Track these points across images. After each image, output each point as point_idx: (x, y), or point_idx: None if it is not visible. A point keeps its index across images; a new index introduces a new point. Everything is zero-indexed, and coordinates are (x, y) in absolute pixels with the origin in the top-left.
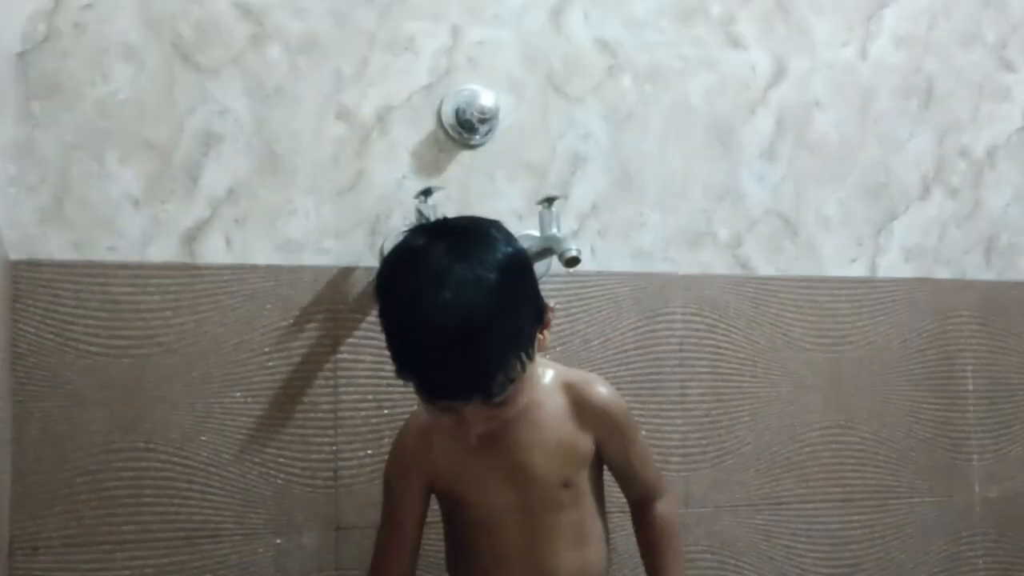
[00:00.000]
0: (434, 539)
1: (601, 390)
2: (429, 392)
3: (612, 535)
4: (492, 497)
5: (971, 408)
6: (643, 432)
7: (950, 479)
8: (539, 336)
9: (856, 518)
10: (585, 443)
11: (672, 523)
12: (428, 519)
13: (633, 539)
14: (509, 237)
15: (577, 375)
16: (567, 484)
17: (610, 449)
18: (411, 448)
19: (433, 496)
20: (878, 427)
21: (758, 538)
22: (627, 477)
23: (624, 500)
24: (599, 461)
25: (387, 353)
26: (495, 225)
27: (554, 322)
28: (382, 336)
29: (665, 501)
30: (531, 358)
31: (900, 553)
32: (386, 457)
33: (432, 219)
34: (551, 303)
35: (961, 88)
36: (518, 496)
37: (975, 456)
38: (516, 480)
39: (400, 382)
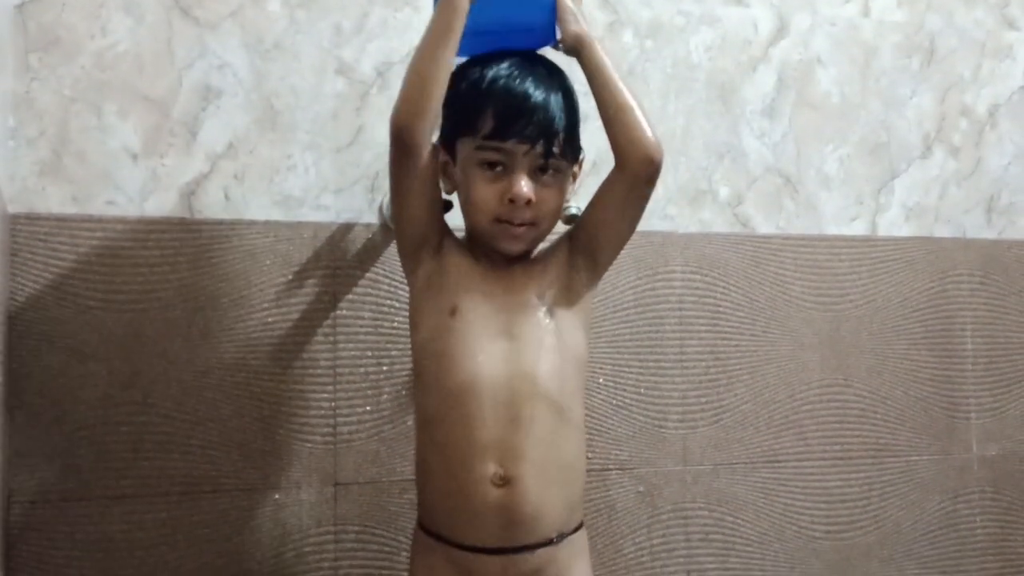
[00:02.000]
0: None
1: None
2: (504, 127)
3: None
4: (480, 304)
5: (969, 367)
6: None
7: (948, 437)
8: (574, 170)
9: (853, 476)
10: (567, 268)
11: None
12: None
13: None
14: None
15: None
16: (551, 314)
17: (578, 227)
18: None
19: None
20: (876, 385)
21: (756, 495)
22: (594, 199)
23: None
24: (583, 305)
25: (386, 309)
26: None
27: None
28: (381, 293)
29: None
30: (572, 167)
31: (897, 510)
32: (384, 414)
33: None
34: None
35: (963, 46)
36: (504, 321)
37: (973, 415)
38: (506, 295)
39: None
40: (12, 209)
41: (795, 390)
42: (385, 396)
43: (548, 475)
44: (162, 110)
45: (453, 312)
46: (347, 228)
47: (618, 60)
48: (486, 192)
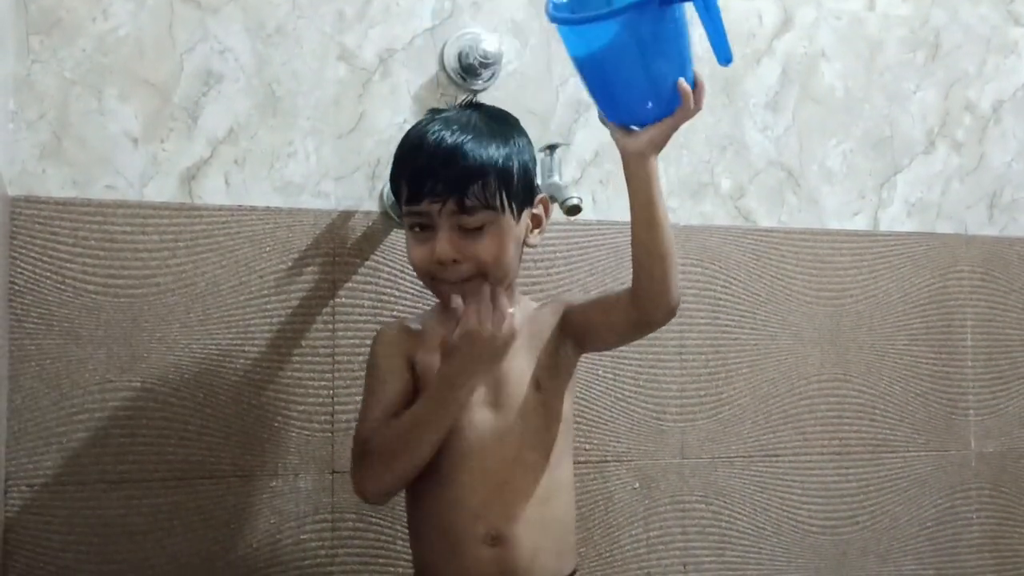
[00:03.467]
0: None
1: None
2: (414, 190)
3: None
4: None
5: (969, 363)
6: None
7: (946, 434)
8: (528, 223)
9: (852, 471)
10: (554, 342)
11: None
12: None
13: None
14: (521, 129)
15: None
16: (538, 387)
17: (574, 313)
18: (393, 335)
19: None
20: (875, 381)
21: (754, 489)
22: (613, 296)
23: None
24: (567, 373)
25: (385, 297)
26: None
27: (554, 272)
28: (380, 281)
29: None
30: (514, 215)
31: (895, 506)
32: None
33: None
34: (545, 198)
35: (968, 41)
36: (490, 392)
37: (972, 411)
38: (488, 380)
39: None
40: (12, 192)
41: (794, 384)
42: None
43: (539, 531)
44: (163, 94)
45: None
46: (347, 216)
47: None
48: (416, 254)
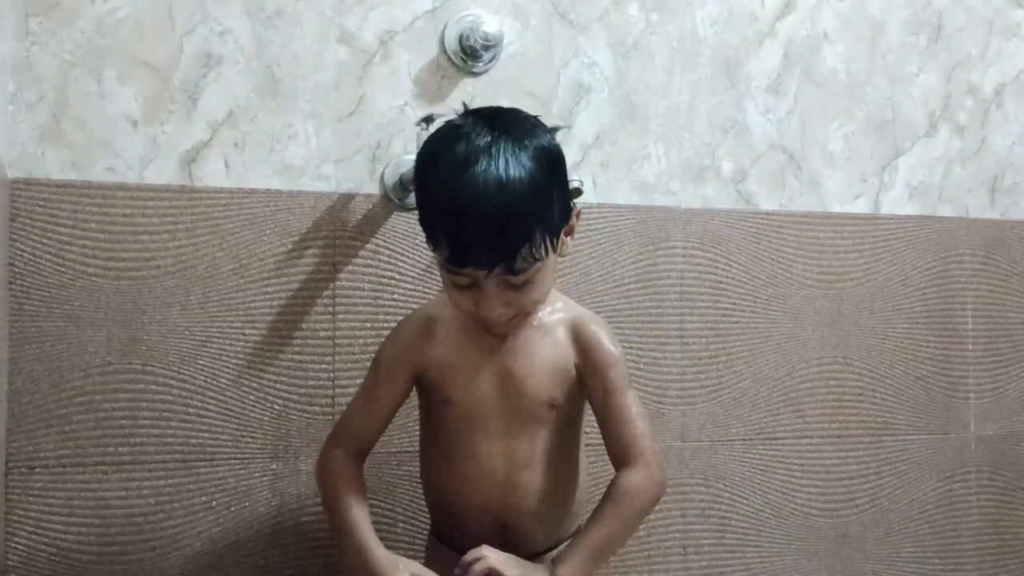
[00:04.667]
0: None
1: (598, 328)
2: (457, 257)
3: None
4: (478, 399)
5: (969, 347)
6: (638, 391)
7: (946, 417)
8: (564, 237)
9: (851, 454)
10: (573, 373)
11: (630, 495)
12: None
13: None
14: (548, 129)
15: (583, 312)
16: (552, 404)
17: (590, 387)
18: (411, 335)
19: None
20: (876, 364)
21: (753, 472)
22: (603, 427)
23: (593, 439)
24: (584, 396)
25: (385, 280)
26: (534, 117)
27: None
28: (381, 264)
29: (635, 471)
30: (555, 249)
31: (894, 489)
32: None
33: None
34: (578, 207)
35: (971, 24)
36: (503, 404)
37: (972, 394)
38: (504, 388)
39: (398, 312)
40: (11, 174)
41: (794, 368)
42: None
43: (545, 519)
44: (162, 77)
45: (447, 403)
46: (348, 198)
47: (623, 33)
48: (461, 300)
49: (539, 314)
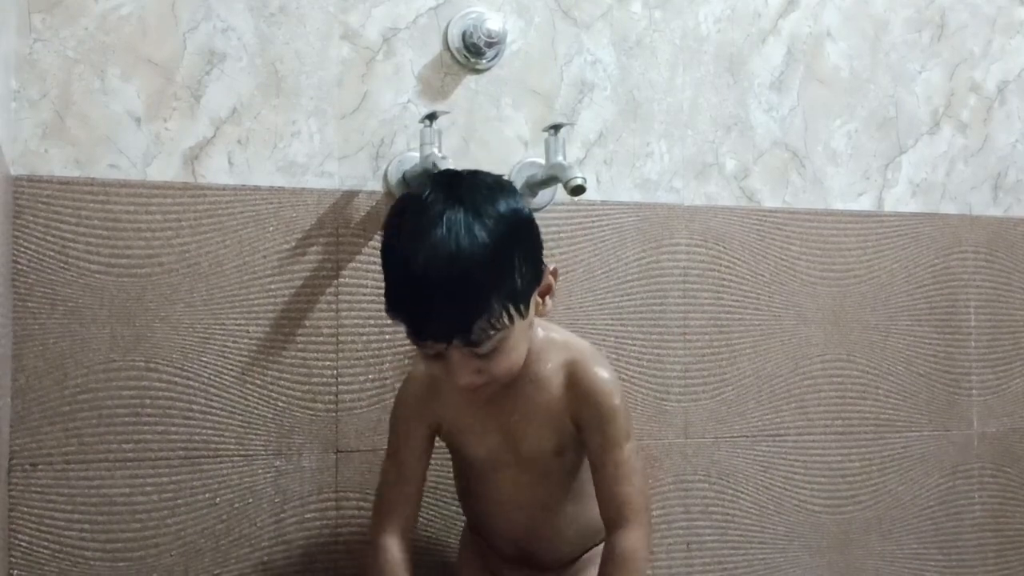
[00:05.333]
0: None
1: (596, 372)
2: (415, 332)
3: None
4: (489, 452)
5: (972, 344)
6: (635, 445)
7: (949, 414)
8: (537, 299)
9: (854, 450)
10: (571, 424)
11: (632, 558)
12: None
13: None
14: (514, 194)
15: (582, 353)
16: (559, 453)
17: (586, 437)
18: (417, 392)
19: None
20: (879, 361)
21: (756, 469)
22: (597, 482)
23: None
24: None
25: None
26: (502, 180)
27: (558, 252)
28: None
29: (630, 532)
30: (523, 316)
31: (897, 486)
32: (386, 382)
33: (437, 144)
34: (552, 266)
35: (974, 21)
36: (513, 455)
37: (975, 391)
38: (510, 443)
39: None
40: (15, 171)
41: (798, 364)
42: (387, 364)
43: (568, 542)
44: (166, 74)
45: (462, 456)
46: (351, 195)
47: (626, 30)
48: (432, 367)
49: (533, 367)
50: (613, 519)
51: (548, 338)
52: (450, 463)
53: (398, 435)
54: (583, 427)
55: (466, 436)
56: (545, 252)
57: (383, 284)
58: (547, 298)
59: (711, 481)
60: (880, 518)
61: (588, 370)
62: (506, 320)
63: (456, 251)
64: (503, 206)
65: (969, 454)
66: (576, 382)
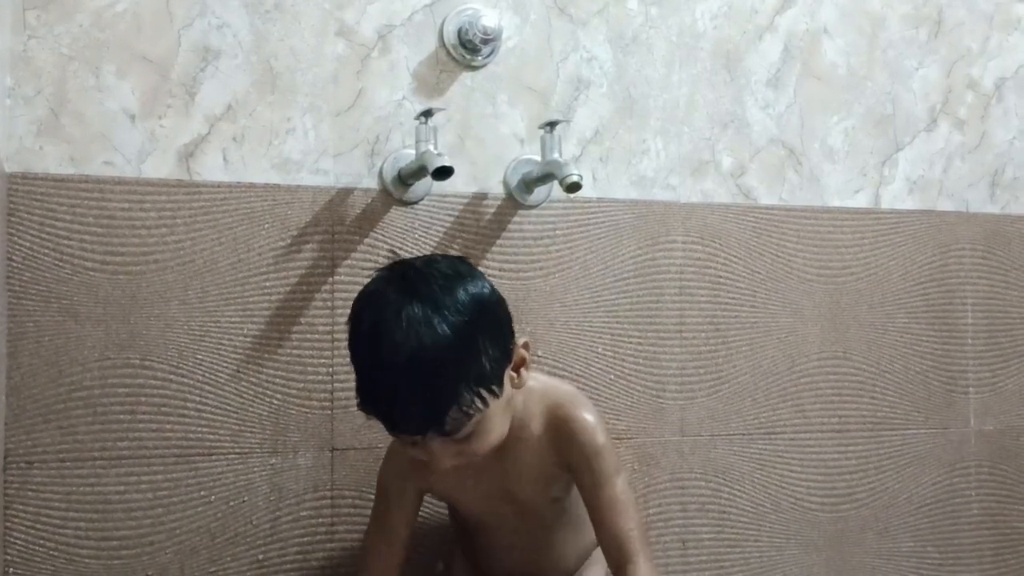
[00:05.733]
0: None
1: (576, 414)
2: (389, 426)
3: None
4: (485, 509)
5: (969, 341)
6: (626, 478)
7: (946, 411)
8: (512, 375)
9: (851, 448)
10: (561, 472)
11: None
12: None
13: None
14: (474, 276)
15: (563, 397)
16: (555, 499)
17: (576, 478)
18: (407, 458)
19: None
20: (876, 359)
21: (753, 467)
22: (594, 520)
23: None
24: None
25: None
26: (458, 264)
27: (554, 250)
28: (380, 259)
29: (639, 569)
30: (498, 395)
31: (894, 483)
32: None
33: (432, 141)
34: (523, 340)
35: (971, 18)
36: (510, 508)
37: (971, 389)
38: (505, 498)
39: None
40: (9, 168)
41: (794, 362)
42: None
43: (567, 566)
44: (161, 71)
45: (457, 512)
46: (346, 193)
47: (622, 27)
48: (414, 453)
49: (518, 424)
50: (617, 557)
51: (527, 388)
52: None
53: (388, 495)
54: (572, 469)
55: (459, 496)
56: (541, 250)
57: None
58: (522, 370)
59: (707, 479)
60: (877, 516)
61: (569, 413)
62: (479, 404)
63: (418, 347)
64: (462, 294)
65: (966, 452)
66: (558, 427)
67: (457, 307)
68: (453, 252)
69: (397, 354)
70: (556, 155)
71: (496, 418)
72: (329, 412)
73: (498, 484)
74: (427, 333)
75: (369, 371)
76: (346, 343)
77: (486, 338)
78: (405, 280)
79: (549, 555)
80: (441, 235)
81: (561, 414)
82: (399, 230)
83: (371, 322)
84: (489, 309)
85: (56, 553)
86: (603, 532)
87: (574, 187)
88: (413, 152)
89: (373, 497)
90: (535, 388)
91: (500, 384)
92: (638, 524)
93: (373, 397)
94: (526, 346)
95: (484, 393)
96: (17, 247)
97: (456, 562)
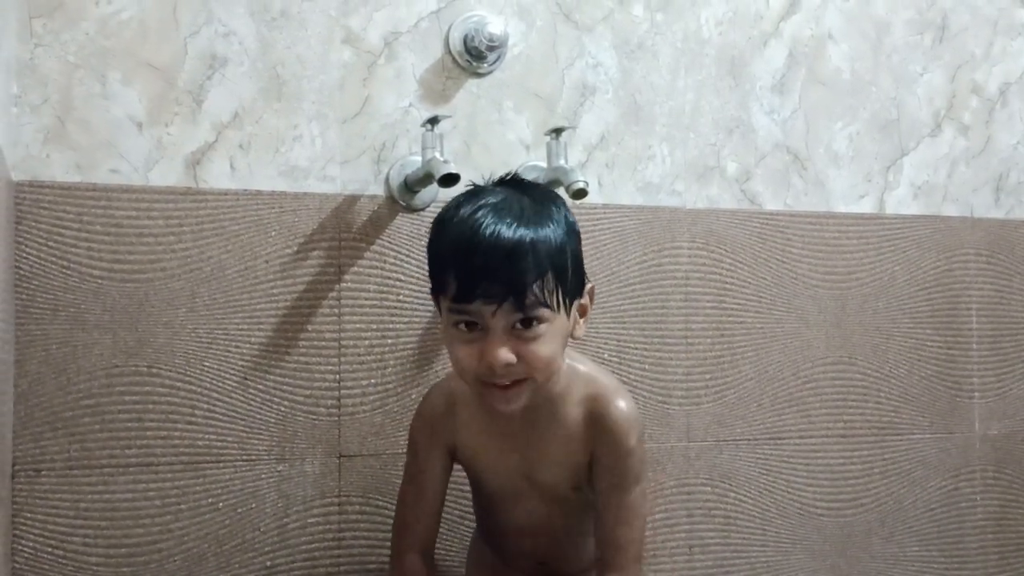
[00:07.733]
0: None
1: (615, 412)
2: (467, 291)
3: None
4: (507, 481)
5: (974, 346)
6: (645, 489)
7: (951, 416)
8: (576, 315)
9: (856, 453)
10: (587, 462)
11: None
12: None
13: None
14: (568, 208)
15: (605, 389)
16: (576, 487)
17: (597, 473)
18: (437, 411)
19: None
20: (880, 363)
21: (758, 472)
22: (598, 518)
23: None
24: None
25: (391, 282)
26: (557, 195)
27: None
28: (386, 266)
29: None
30: (567, 312)
31: (899, 488)
32: (388, 386)
33: (438, 148)
34: (591, 284)
35: (975, 23)
36: (531, 486)
37: (976, 394)
38: (527, 473)
39: (403, 314)
40: (16, 176)
41: (799, 367)
42: (390, 369)
43: (582, 559)
44: (167, 78)
45: (479, 481)
46: (353, 200)
47: (628, 33)
48: (463, 353)
49: (555, 398)
50: (606, 561)
51: (572, 368)
52: (463, 478)
53: (419, 453)
54: (596, 460)
55: (482, 461)
56: None
57: (386, 287)
58: (582, 321)
59: (713, 484)
60: (882, 521)
61: (607, 408)
62: (555, 301)
63: (520, 217)
64: (563, 208)
65: (971, 456)
66: (594, 418)
67: (561, 217)
68: None
69: (500, 219)
70: (562, 161)
71: (556, 339)
72: (336, 419)
73: (521, 457)
74: (532, 214)
75: (466, 230)
76: (353, 349)
77: (574, 255)
78: (514, 184)
79: (564, 545)
80: None
81: (599, 406)
82: (406, 237)
83: (479, 199)
84: (578, 234)
85: (64, 561)
86: (601, 533)
87: (580, 193)
88: (419, 159)
89: (380, 505)
90: (580, 372)
91: (570, 306)
92: (639, 538)
93: (460, 258)
94: (591, 292)
95: (561, 294)
96: (24, 255)
97: (474, 546)
